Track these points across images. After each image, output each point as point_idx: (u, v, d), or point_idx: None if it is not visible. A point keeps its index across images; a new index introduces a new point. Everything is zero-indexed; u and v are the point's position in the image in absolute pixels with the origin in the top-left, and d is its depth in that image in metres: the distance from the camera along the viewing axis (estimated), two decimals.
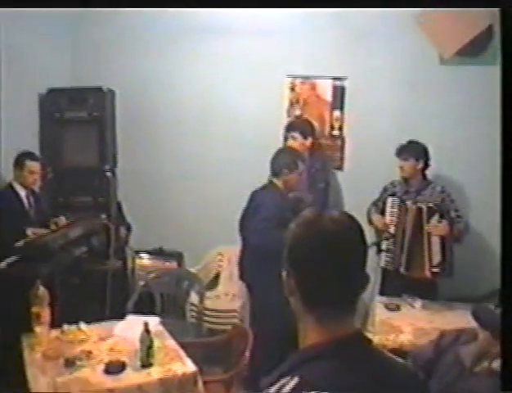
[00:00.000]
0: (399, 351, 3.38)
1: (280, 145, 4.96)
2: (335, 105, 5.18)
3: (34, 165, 4.57)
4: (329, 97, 5.19)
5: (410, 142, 4.45)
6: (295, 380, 1.22)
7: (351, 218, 1.37)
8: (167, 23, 5.34)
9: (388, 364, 1.38)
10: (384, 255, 4.48)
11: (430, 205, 4.30)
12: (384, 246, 4.47)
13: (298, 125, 5.00)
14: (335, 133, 5.21)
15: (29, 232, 4.29)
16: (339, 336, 1.30)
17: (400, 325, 3.80)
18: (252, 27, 5.16)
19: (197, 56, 5.42)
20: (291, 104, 5.31)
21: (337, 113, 5.18)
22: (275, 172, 4.32)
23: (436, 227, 4.25)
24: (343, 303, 1.33)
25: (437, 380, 2.68)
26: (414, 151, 4.41)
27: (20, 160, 4.52)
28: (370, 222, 4.59)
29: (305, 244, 1.32)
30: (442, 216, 4.26)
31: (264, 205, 4.14)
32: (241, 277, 4.56)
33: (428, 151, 4.44)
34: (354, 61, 5.04)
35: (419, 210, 4.29)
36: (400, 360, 1.46)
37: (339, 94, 5.14)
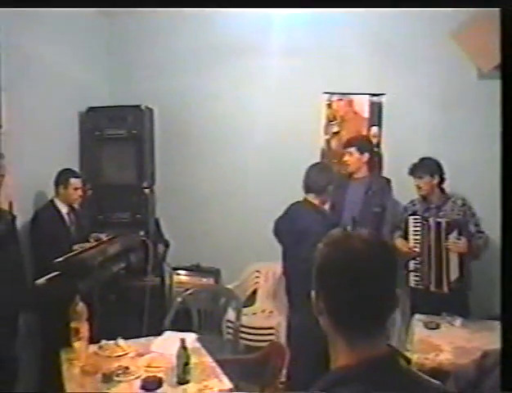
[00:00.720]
0: (438, 370, 3.33)
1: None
2: (373, 121, 5.17)
3: (78, 182, 4.64)
4: (366, 113, 5.18)
5: (423, 159, 4.41)
6: None
7: (380, 238, 1.39)
8: (205, 42, 5.42)
9: (421, 387, 1.35)
10: (412, 274, 4.43)
11: (449, 220, 4.27)
12: (411, 265, 4.42)
13: (355, 141, 4.93)
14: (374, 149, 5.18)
15: (76, 247, 4.35)
16: (370, 358, 1.28)
17: (439, 344, 3.71)
18: (288, 45, 5.19)
19: (235, 74, 5.47)
20: (328, 121, 5.30)
21: (375, 129, 5.16)
22: (315, 189, 4.16)
23: (455, 244, 4.22)
24: (373, 324, 1.32)
25: None
26: (427, 167, 4.37)
27: (63, 178, 4.58)
28: (395, 247, 4.55)
29: (334, 264, 1.32)
30: (460, 232, 4.22)
31: (311, 231, 3.97)
32: (287, 293, 4.51)
33: (441, 165, 4.38)
34: (391, 77, 5.03)
35: (439, 224, 4.26)
36: (436, 382, 1.42)
37: (377, 110, 5.13)
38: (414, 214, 4.47)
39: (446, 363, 3.44)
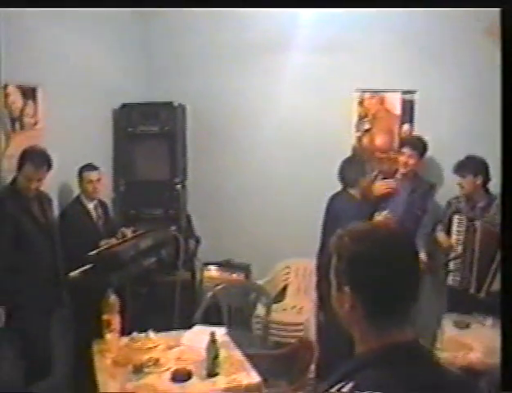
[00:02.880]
0: (468, 369, 3.31)
1: None
2: (405, 119, 5.13)
3: (92, 175, 4.61)
4: (398, 110, 5.14)
5: (468, 158, 4.32)
6: (350, 385, 1.24)
7: (402, 226, 1.43)
8: (238, 39, 5.44)
9: (444, 375, 1.37)
10: (451, 274, 4.37)
11: None
12: (451, 265, 4.37)
13: (410, 141, 4.87)
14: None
15: (102, 243, 4.41)
16: (395, 344, 1.33)
17: (469, 343, 3.69)
18: (321, 42, 5.18)
19: (266, 72, 5.47)
20: (360, 118, 5.28)
21: (406, 127, 5.13)
22: (348, 182, 4.34)
23: None
24: (400, 311, 1.37)
25: None
26: (471, 166, 4.28)
27: (79, 173, 4.60)
28: (436, 241, 4.51)
29: (364, 257, 1.35)
30: None
31: (343, 216, 4.02)
32: (317, 286, 4.54)
33: (488, 165, 4.27)
34: (423, 75, 4.99)
35: (493, 234, 4.02)
36: (458, 372, 1.44)
37: (409, 108, 5.09)
38: (458, 211, 4.39)
39: (476, 362, 3.42)
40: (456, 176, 4.40)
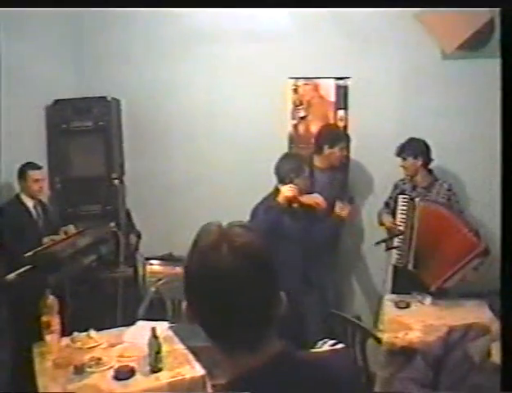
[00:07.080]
0: (408, 349, 3.38)
1: (285, 149, 4.98)
2: (339, 105, 5.18)
3: (37, 174, 4.57)
4: (332, 97, 5.19)
5: (410, 140, 4.47)
6: None
7: (254, 231, 1.24)
8: (169, 30, 5.38)
9: (320, 369, 1.27)
10: (394, 252, 4.46)
11: None
12: (395, 243, 4.45)
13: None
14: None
15: (46, 239, 4.32)
16: (250, 370, 1.18)
17: (409, 323, 3.77)
18: (253, 30, 5.17)
19: (199, 62, 5.42)
20: (295, 106, 5.30)
21: (341, 113, 5.18)
22: (281, 178, 4.16)
23: None
24: (252, 333, 1.19)
25: (447, 376, 2.66)
26: (411, 148, 4.44)
27: (22, 171, 4.54)
28: (381, 223, 4.61)
29: (201, 274, 1.18)
30: None
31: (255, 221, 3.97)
32: None
33: (429, 146, 4.44)
34: (356, 60, 5.04)
35: (435, 213, 4.22)
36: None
37: (343, 94, 5.14)
38: (402, 192, 4.53)
39: (415, 341, 3.49)
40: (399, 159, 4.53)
